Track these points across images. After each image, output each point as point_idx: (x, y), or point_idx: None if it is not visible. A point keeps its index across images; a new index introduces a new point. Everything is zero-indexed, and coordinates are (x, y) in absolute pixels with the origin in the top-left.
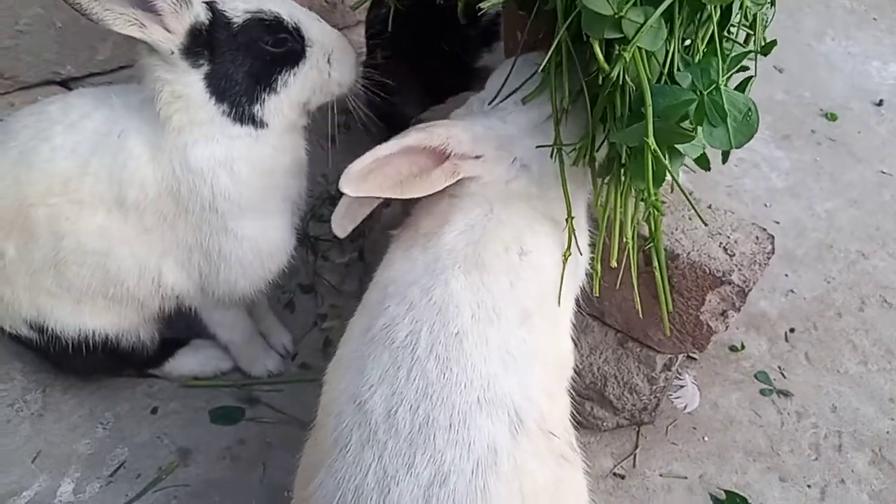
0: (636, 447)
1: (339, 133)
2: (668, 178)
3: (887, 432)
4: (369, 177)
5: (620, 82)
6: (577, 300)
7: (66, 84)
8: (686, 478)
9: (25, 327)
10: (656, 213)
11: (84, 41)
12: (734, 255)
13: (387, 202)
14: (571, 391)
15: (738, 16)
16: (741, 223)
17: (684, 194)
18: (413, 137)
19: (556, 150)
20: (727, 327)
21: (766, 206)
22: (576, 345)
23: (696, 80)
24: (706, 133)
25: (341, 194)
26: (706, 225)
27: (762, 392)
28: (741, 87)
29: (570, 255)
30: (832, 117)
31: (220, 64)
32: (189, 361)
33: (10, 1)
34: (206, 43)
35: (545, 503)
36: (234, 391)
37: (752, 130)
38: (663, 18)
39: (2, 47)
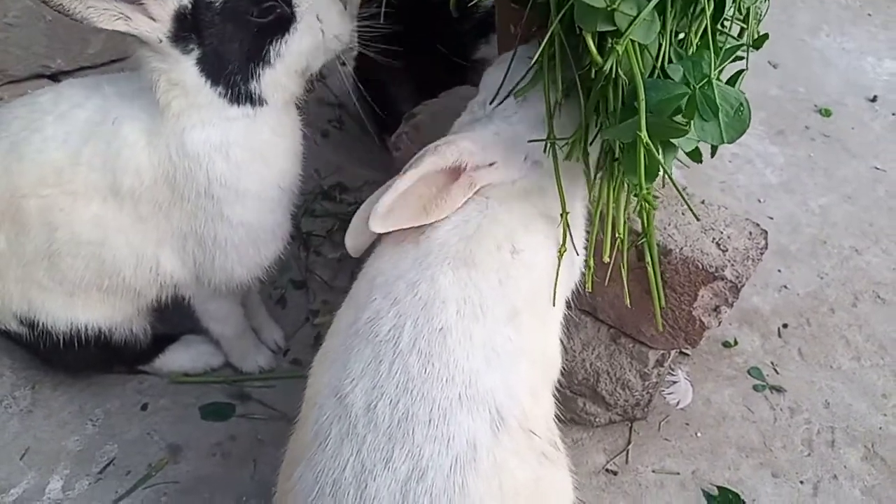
0: (629, 443)
1: (333, 129)
2: (661, 172)
3: (880, 428)
4: (394, 211)
5: (613, 76)
6: (568, 301)
7: (56, 78)
8: (678, 474)
9: (15, 322)
10: (649, 207)
11: (74, 34)
12: (727, 250)
13: None
14: (564, 387)
15: (732, 9)
16: (734, 218)
17: (677, 189)
18: (427, 163)
19: (549, 145)
20: (720, 323)
21: (759, 201)
22: (564, 346)
23: (687, 73)
24: (698, 127)
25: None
26: (699, 220)
27: (755, 388)
28: (732, 80)
29: (565, 250)
30: (826, 113)
31: (210, 46)
32: (179, 357)
33: None
34: (193, 27)
35: (525, 501)
36: (225, 387)
37: (744, 125)
38: (656, 11)
39: None
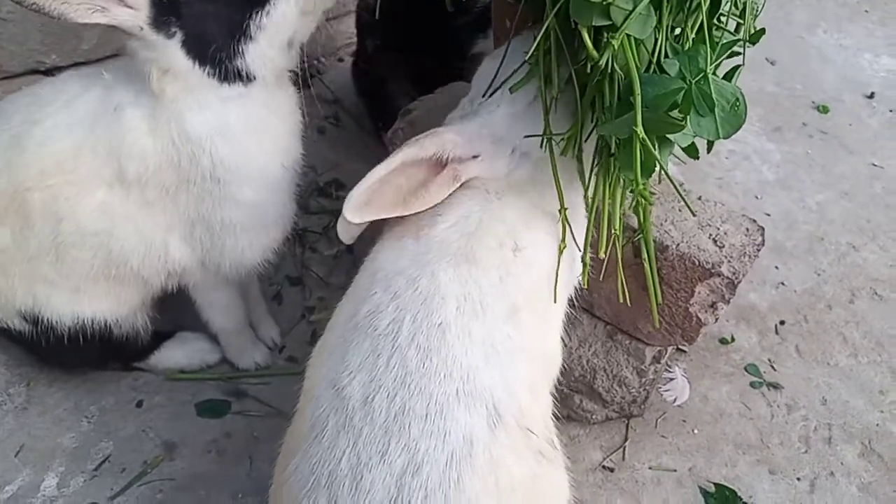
0: (625, 440)
1: (330, 125)
2: (658, 168)
3: (877, 425)
4: (371, 201)
5: (609, 71)
6: (571, 298)
7: (51, 73)
8: (675, 470)
9: (18, 319)
10: (645, 203)
11: (68, 30)
12: (724, 246)
13: None
14: (560, 384)
15: (728, 4)
16: (731, 215)
17: (673, 185)
18: (405, 153)
19: (545, 140)
20: (717, 319)
21: (756, 198)
22: (564, 343)
23: (683, 68)
24: (694, 122)
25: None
26: (695, 215)
27: (752, 385)
28: (728, 76)
29: (565, 247)
30: (824, 109)
31: (191, 27)
32: (175, 354)
33: None
34: (171, 10)
35: (521, 499)
36: (221, 384)
37: (740, 121)
38: (652, 6)
39: None
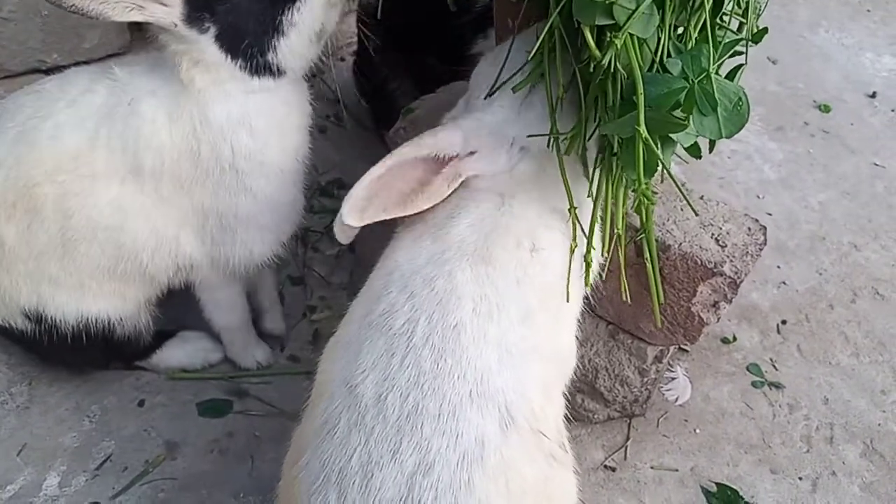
0: (627, 439)
1: (331, 125)
2: (660, 167)
3: (879, 424)
4: (370, 203)
5: (612, 70)
6: (586, 296)
7: (52, 72)
8: (677, 470)
9: (21, 318)
10: (647, 203)
11: (70, 29)
12: (726, 246)
13: None
14: (567, 389)
15: (731, 3)
16: (733, 214)
17: (676, 184)
18: (402, 153)
19: (552, 140)
20: (719, 319)
21: (758, 197)
22: (579, 341)
23: (686, 67)
24: (696, 122)
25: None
26: (697, 215)
27: (754, 384)
28: (731, 75)
29: (576, 247)
30: (825, 109)
31: (224, 22)
32: (177, 353)
33: None
34: (205, 6)
35: (532, 501)
36: (222, 384)
37: (743, 120)
38: (655, 5)
39: None
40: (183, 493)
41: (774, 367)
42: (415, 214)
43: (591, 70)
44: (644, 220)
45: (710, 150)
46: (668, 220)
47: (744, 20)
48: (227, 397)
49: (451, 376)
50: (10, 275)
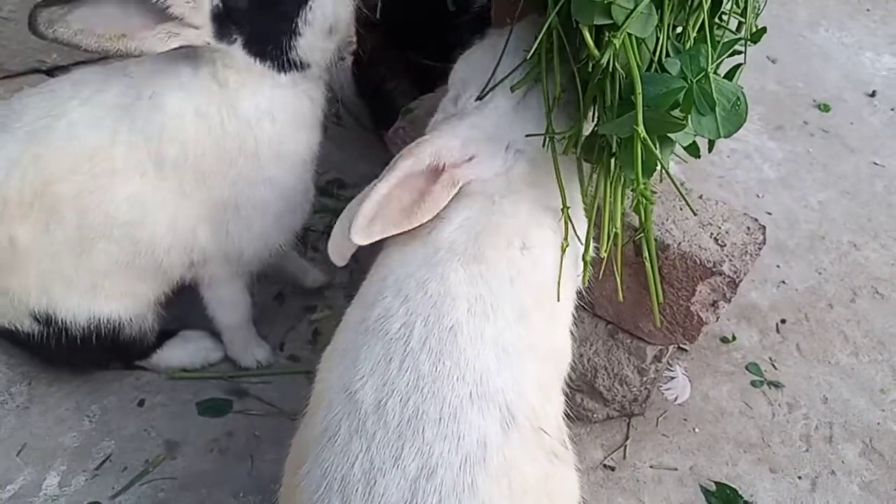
0: (626, 439)
1: (330, 124)
2: (659, 167)
3: (878, 423)
4: (375, 220)
5: (610, 70)
6: (579, 291)
7: (52, 73)
8: (676, 469)
9: (29, 320)
10: (646, 202)
11: None
12: (725, 245)
13: None
14: (565, 385)
15: (730, 3)
16: (732, 213)
17: (674, 184)
18: (403, 167)
19: (548, 140)
20: (718, 318)
21: (758, 196)
22: (574, 337)
23: (685, 67)
24: (694, 121)
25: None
26: (696, 214)
27: (753, 383)
28: (729, 75)
29: (567, 245)
30: (825, 108)
31: (248, 32)
32: (177, 353)
33: None
34: (229, 20)
35: (535, 499)
36: (222, 383)
37: (741, 119)
38: (653, 5)
39: None
40: (183, 493)
41: (774, 366)
42: None
43: (590, 70)
44: (643, 219)
45: (710, 149)
46: (667, 219)
47: (742, 20)
48: (226, 397)
49: (450, 378)
50: (21, 276)
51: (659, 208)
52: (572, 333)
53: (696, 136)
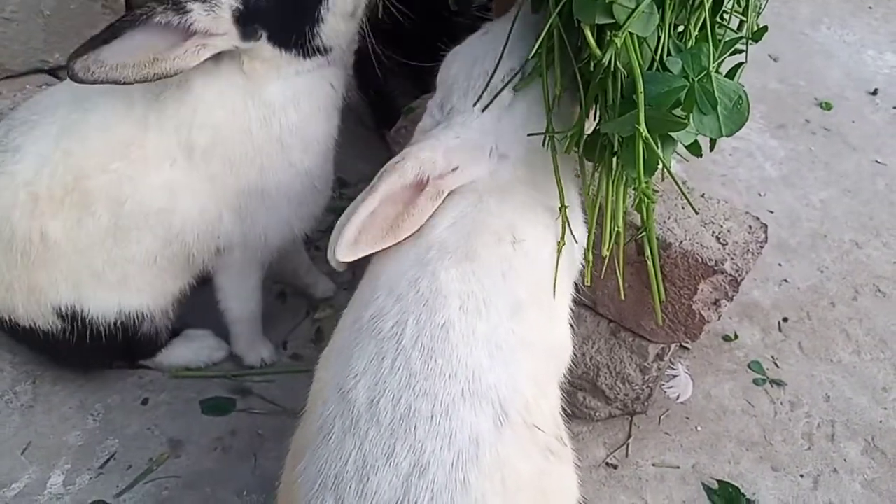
0: (629, 437)
1: None
2: (660, 166)
3: (880, 422)
4: (360, 238)
5: (612, 69)
6: (576, 284)
7: (55, 72)
8: (679, 467)
9: (53, 316)
10: (648, 201)
11: (72, 29)
12: (727, 244)
13: None
14: (563, 382)
15: (731, 1)
16: (734, 212)
17: (676, 182)
18: (387, 184)
19: (547, 139)
20: (720, 317)
21: (760, 195)
22: (574, 330)
23: (686, 66)
24: (696, 120)
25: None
26: (697, 213)
27: (755, 382)
28: (731, 73)
29: (564, 244)
30: (827, 106)
31: (272, 28)
32: (181, 351)
33: None
34: (252, 19)
35: (529, 497)
36: (226, 382)
37: (743, 118)
38: (655, 4)
39: None
40: (186, 491)
41: (776, 364)
42: None
43: (592, 69)
44: (645, 218)
45: (711, 148)
46: (669, 217)
47: (744, 18)
48: (230, 395)
49: (442, 376)
50: (50, 271)
51: (661, 207)
52: (572, 327)
53: (697, 135)
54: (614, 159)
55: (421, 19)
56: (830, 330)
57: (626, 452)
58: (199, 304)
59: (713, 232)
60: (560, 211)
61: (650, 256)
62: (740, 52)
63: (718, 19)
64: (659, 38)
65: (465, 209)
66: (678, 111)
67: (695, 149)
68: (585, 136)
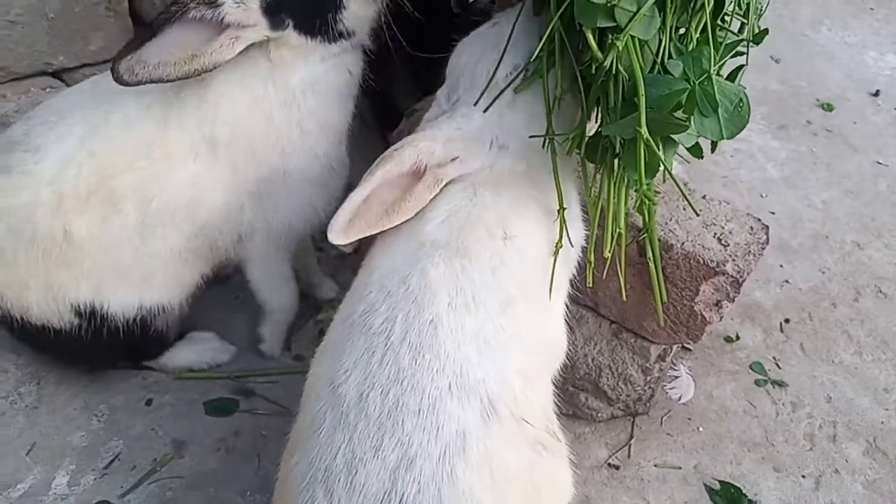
0: (631, 438)
1: None
2: (661, 168)
3: (882, 422)
4: (355, 220)
5: (613, 71)
6: (571, 281)
7: (59, 75)
8: (681, 468)
9: (70, 314)
10: (649, 203)
11: (76, 31)
12: (728, 245)
13: None
14: (565, 382)
15: (732, 4)
16: (736, 213)
17: (677, 184)
18: (384, 170)
19: (547, 141)
20: (721, 318)
21: (761, 196)
22: (570, 327)
23: (687, 69)
24: (697, 123)
25: None
26: (698, 214)
27: (757, 382)
28: (732, 76)
29: (561, 246)
30: (828, 107)
31: (298, 16)
32: (185, 353)
33: None
34: (278, 9)
35: (519, 489)
36: (229, 383)
37: (744, 121)
38: (656, 7)
39: None
40: (190, 492)
41: (777, 365)
42: None
43: (593, 72)
44: (646, 219)
45: (713, 150)
46: (671, 219)
47: (745, 21)
48: (233, 396)
49: (429, 371)
50: (72, 268)
51: (662, 208)
52: (568, 324)
53: (698, 137)
54: (616, 161)
55: (424, 19)
56: (832, 331)
57: (628, 453)
58: (204, 307)
59: (715, 233)
60: (558, 213)
61: (652, 258)
62: (741, 54)
63: (719, 22)
64: (660, 40)
65: (460, 202)
66: (679, 114)
67: (696, 150)
68: (587, 138)
